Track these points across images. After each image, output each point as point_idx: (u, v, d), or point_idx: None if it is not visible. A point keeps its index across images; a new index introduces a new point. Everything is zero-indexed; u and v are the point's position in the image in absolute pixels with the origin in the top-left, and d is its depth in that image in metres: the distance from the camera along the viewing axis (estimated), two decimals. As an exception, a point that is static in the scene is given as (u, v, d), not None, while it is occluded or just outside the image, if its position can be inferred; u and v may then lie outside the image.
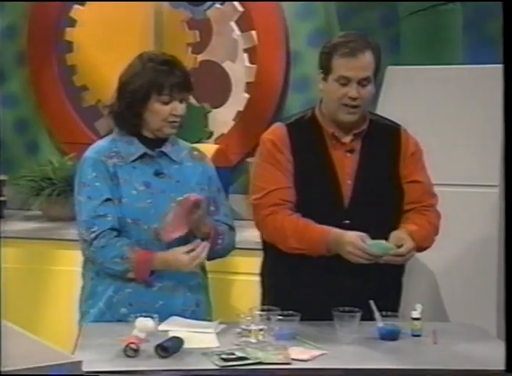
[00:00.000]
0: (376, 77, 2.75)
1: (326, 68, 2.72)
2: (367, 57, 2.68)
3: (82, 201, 2.66)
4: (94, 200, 2.63)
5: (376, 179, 2.71)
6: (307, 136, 2.76)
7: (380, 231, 2.64)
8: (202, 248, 2.57)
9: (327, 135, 2.76)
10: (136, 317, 2.39)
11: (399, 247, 2.56)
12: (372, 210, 2.68)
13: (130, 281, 2.64)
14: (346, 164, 2.74)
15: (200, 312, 2.70)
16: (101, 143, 2.75)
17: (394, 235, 2.60)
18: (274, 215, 2.69)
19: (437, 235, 2.79)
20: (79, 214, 2.67)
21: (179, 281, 2.67)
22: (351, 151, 2.75)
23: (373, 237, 2.61)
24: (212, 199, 2.76)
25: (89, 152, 2.72)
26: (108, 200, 2.63)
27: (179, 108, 2.66)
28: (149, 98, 2.63)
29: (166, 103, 2.64)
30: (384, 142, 2.78)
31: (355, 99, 2.67)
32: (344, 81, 2.67)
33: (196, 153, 2.81)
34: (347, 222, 2.67)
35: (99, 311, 2.67)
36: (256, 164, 2.82)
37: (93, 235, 2.60)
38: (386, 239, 2.59)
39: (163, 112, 2.64)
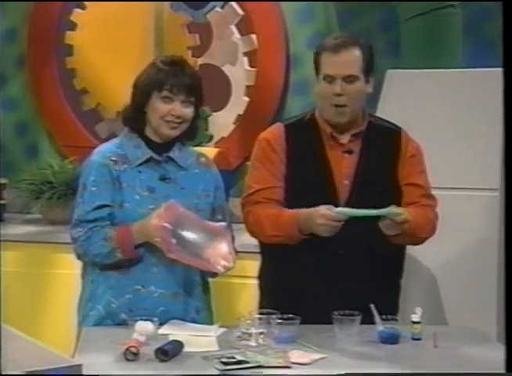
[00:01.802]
0: (369, 77, 2.73)
1: (316, 68, 2.75)
2: (352, 53, 2.69)
3: (78, 203, 2.69)
4: (86, 205, 2.65)
5: (374, 180, 2.70)
6: (304, 136, 2.77)
7: (376, 232, 2.64)
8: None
9: (325, 135, 2.76)
10: (136, 321, 2.39)
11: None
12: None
13: (122, 271, 2.63)
14: (343, 165, 2.74)
15: (200, 320, 2.69)
16: (107, 146, 2.75)
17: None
18: (255, 210, 2.72)
19: (433, 231, 2.77)
20: (74, 214, 2.69)
21: (180, 288, 2.66)
22: (350, 152, 2.76)
23: (370, 239, 2.64)
24: (220, 208, 2.77)
25: (95, 155, 2.72)
26: (104, 206, 2.63)
27: (178, 109, 2.65)
28: (151, 94, 2.66)
29: (167, 102, 2.65)
30: (383, 144, 2.78)
31: (340, 95, 2.67)
32: (330, 79, 2.68)
33: (203, 159, 2.81)
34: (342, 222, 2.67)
35: (98, 316, 2.66)
36: (250, 163, 2.85)
37: (81, 233, 2.63)
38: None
39: (162, 109, 2.65)
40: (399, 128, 2.83)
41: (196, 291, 2.71)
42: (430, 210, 2.77)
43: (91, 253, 2.63)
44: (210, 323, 2.73)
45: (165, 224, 2.54)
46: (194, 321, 2.66)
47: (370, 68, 2.73)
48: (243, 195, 2.80)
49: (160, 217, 2.55)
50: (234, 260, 2.62)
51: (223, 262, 2.58)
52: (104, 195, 2.64)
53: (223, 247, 2.61)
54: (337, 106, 2.68)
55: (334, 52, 2.68)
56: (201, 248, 2.59)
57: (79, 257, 2.70)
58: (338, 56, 2.68)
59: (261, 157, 2.78)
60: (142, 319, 2.40)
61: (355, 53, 2.69)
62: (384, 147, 2.78)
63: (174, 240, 2.54)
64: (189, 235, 2.59)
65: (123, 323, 2.57)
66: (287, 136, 2.77)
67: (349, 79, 2.67)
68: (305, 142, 2.76)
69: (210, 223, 2.65)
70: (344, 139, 2.76)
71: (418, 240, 2.77)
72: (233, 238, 2.74)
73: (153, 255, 2.62)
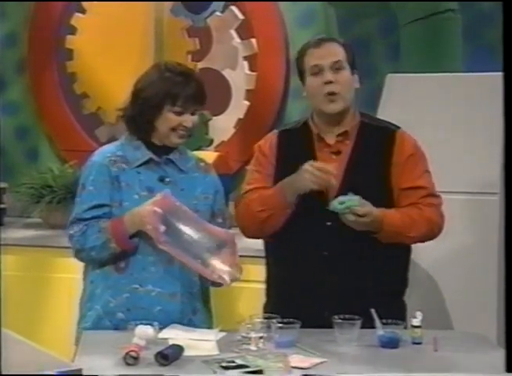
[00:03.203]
0: (354, 71, 2.76)
1: (301, 70, 2.80)
2: (333, 46, 2.77)
3: (77, 202, 2.71)
4: (84, 204, 2.67)
5: (363, 181, 2.67)
6: (296, 140, 2.80)
7: (364, 235, 2.63)
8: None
9: (315, 137, 2.78)
10: (136, 325, 2.39)
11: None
12: None
13: (118, 266, 2.65)
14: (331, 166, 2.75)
15: (197, 321, 2.69)
16: (108, 147, 2.78)
17: None
18: (243, 203, 2.77)
19: (433, 230, 2.73)
20: (72, 213, 2.72)
21: (177, 288, 2.66)
22: (338, 153, 2.76)
23: (358, 239, 2.63)
24: (220, 211, 2.78)
25: (95, 156, 2.75)
26: (101, 205, 2.65)
27: (190, 120, 2.68)
28: (163, 107, 2.66)
29: (178, 114, 2.66)
30: (375, 144, 2.77)
31: (330, 82, 2.71)
32: (317, 70, 2.73)
33: (202, 164, 2.83)
34: (329, 223, 2.67)
35: (96, 315, 2.67)
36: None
37: (77, 229, 2.65)
38: None
39: (173, 122, 2.66)
40: (395, 128, 2.81)
41: (194, 292, 2.71)
42: (432, 209, 2.73)
43: (87, 247, 2.64)
44: (209, 325, 2.73)
45: (156, 208, 2.54)
46: (191, 322, 2.66)
47: (353, 63, 2.78)
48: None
49: (153, 203, 2.57)
50: (241, 270, 2.61)
51: (230, 271, 2.57)
52: (102, 194, 2.66)
53: (231, 257, 2.59)
54: (329, 94, 2.71)
55: (317, 47, 2.76)
56: (204, 252, 2.57)
57: (76, 254, 2.71)
58: (321, 48, 2.76)
59: (253, 162, 2.85)
60: (141, 323, 2.40)
61: (337, 46, 2.78)
62: (376, 147, 2.76)
63: (163, 227, 2.53)
64: (185, 230, 2.58)
65: (120, 323, 2.60)
66: (279, 142, 2.81)
67: (336, 66, 2.72)
68: (296, 145, 2.79)
69: (217, 228, 2.65)
70: (331, 139, 2.76)
71: (409, 239, 2.72)
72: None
73: (152, 254, 2.63)
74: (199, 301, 2.74)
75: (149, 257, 2.64)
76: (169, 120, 2.66)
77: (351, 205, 2.55)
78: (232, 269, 2.58)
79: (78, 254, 2.70)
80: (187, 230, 2.59)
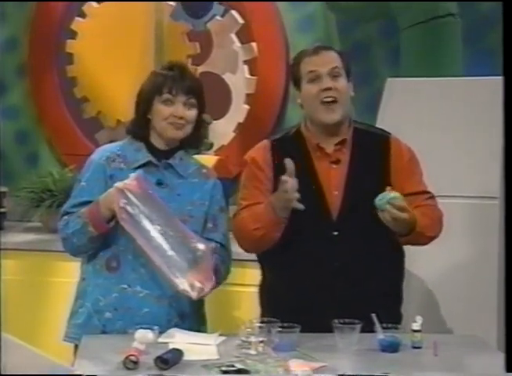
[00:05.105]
0: (349, 79, 2.76)
1: (296, 77, 2.78)
2: (330, 53, 2.77)
3: (71, 196, 2.75)
4: (75, 199, 2.72)
5: (365, 189, 2.65)
6: (291, 150, 2.74)
7: (370, 242, 2.65)
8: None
9: (311, 147, 2.76)
10: (136, 329, 2.39)
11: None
12: (362, 221, 2.64)
13: (110, 270, 2.66)
14: (332, 175, 2.73)
15: (184, 326, 2.66)
16: (109, 146, 2.82)
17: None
18: (240, 220, 2.73)
19: (441, 229, 2.75)
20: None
21: (165, 291, 2.64)
22: (337, 162, 2.75)
23: (364, 250, 2.64)
24: (212, 216, 2.76)
25: (94, 153, 2.79)
26: (90, 202, 2.65)
27: (181, 110, 2.68)
28: (153, 100, 2.70)
29: (168, 104, 2.68)
30: (372, 152, 2.76)
31: (329, 89, 2.69)
32: (314, 77, 2.71)
33: (205, 171, 2.82)
34: (336, 233, 2.67)
35: (87, 313, 2.68)
36: (241, 182, 2.85)
37: (63, 220, 2.69)
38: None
39: (164, 112, 2.68)
40: (388, 135, 2.82)
41: (182, 296, 2.63)
42: (437, 209, 2.76)
43: (69, 233, 2.66)
44: (199, 330, 2.71)
45: (120, 186, 2.55)
46: (177, 327, 2.64)
47: (349, 71, 2.77)
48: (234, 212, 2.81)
49: (123, 182, 2.57)
50: (212, 286, 2.59)
51: (199, 285, 2.55)
52: (94, 192, 2.68)
53: (205, 269, 2.57)
54: (326, 102, 2.70)
55: (314, 54, 2.76)
56: (172, 254, 2.55)
57: (63, 244, 2.73)
58: (319, 55, 2.75)
59: (249, 176, 2.80)
60: (141, 328, 2.40)
61: (334, 54, 2.78)
62: (372, 155, 2.76)
63: (123, 201, 2.54)
64: (152, 219, 2.55)
65: (107, 323, 2.64)
66: (273, 152, 2.78)
67: (334, 72, 2.71)
68: (292, 156, 2.69)
69: (195, 236, 2.60)
70: (330, 148, 2.75)
71: (427, 240, 2.74)
72: (231, 252, 2.78)
73: (142, 256, 2.62)
74: (188, 307, 2.70)
75: (141, 258, 2.64)
76: (160, 111, 2.68)
77: (391, 198, 2.53)
78: (202, 283, 2.56)
79: (64, 244, 2.72)
80: (155, 221, 2.57)
